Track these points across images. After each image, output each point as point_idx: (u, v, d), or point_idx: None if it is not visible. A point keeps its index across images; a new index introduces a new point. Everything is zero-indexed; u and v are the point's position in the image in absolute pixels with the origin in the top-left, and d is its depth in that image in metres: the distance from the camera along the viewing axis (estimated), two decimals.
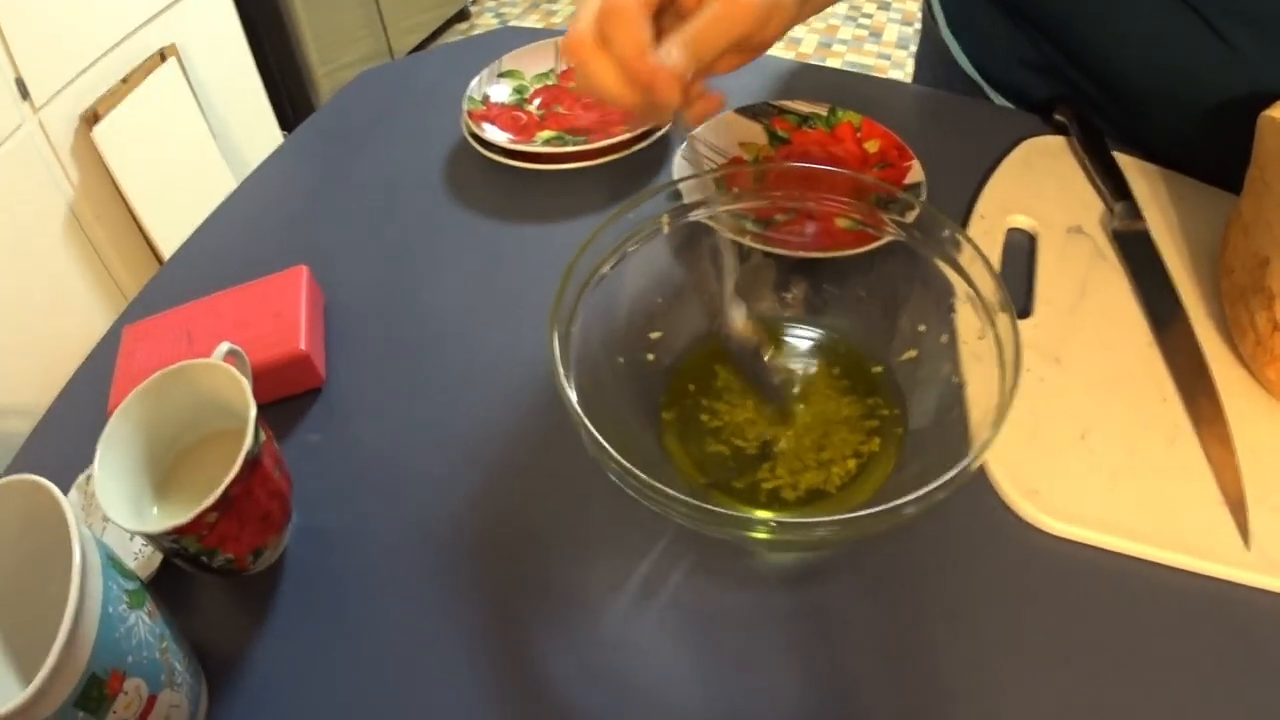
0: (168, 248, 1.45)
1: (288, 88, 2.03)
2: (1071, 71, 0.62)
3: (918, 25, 2.43)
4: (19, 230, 1.27)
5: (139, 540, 0.44)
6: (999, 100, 0.69)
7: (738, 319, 0.44)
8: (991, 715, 0.37)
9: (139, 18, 1.44)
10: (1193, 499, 0.42)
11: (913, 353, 0.44)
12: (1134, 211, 0.54)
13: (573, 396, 0.36)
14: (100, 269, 1.42)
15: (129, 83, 1.41)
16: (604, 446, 0.34)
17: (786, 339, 0.47)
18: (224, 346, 0.43)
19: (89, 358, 0.56)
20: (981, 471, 0.44)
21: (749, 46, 0.41)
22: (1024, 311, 0.51)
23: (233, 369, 0.41)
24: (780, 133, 0.63)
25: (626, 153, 0.63)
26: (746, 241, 0.47)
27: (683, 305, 0.47)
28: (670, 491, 0.32)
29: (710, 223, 0.46)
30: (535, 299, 0.43)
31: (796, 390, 0.45)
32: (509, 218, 0.62)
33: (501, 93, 0.69)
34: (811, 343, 0.47)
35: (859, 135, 0.61)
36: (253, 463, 0.39)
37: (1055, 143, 0.61)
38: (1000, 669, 0.38)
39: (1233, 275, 0.48)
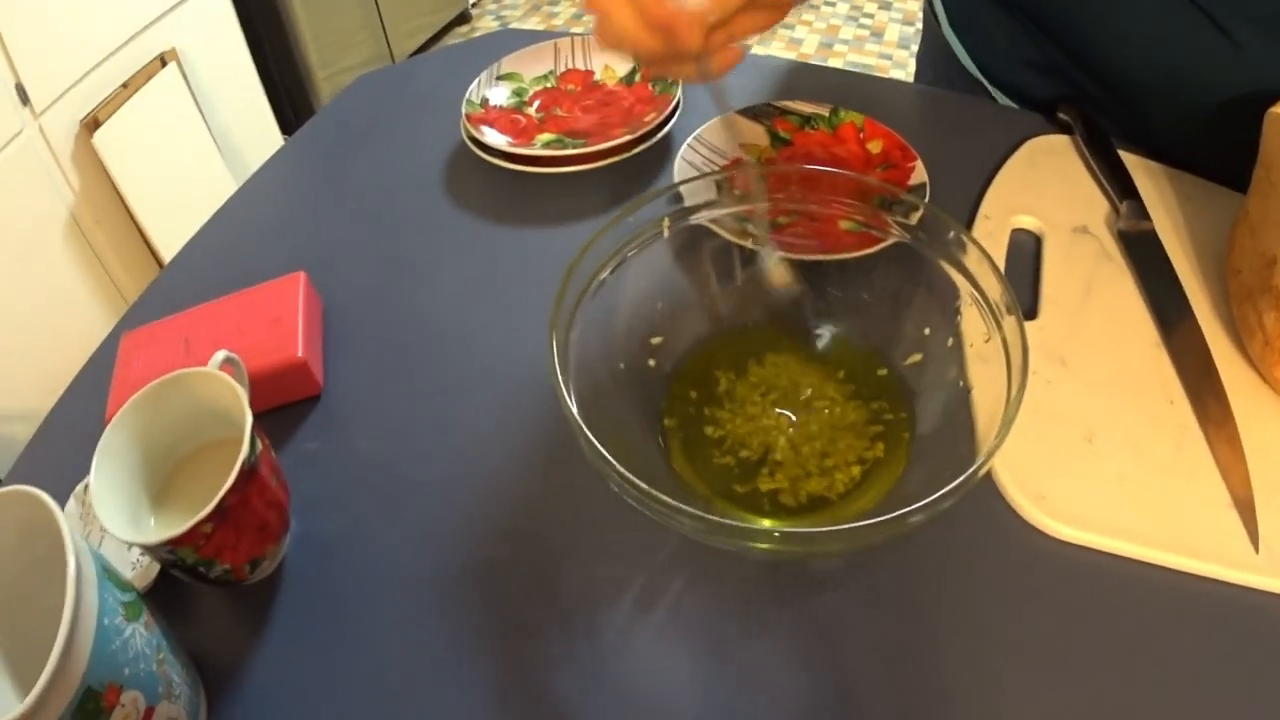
0: (168, 252, 1.45)
1: (288, 91, 2.03)
2: (1074, 71, 0.62)
3: (919, 25, 2.42)
4: (20, 235, 1.27)
5: (137, 549, 0.44)
6: (1002, 100, 0.69)
7: (775, 268, 0.44)
8: None
9: (139, 22, 1.44)
10: (1201, 502, 0.41)
11: (918, 356, 0.43)
12: (1140, 211, 0.54)
13: (573, 405, 0.35)
14: (101, 273, 1.42)
15: (129, 87, 1.41)
16: (604, 456, 0.33)
17: (789, 341, 0.47)
18: (220, 355, 0.43)
19: (88, 363, 0.55)
20: (987, 476, 0.43)
21: (769, 1, 0.41)
22: (1030, 313, 0.50)
23: (229, 378, 0.41)
24: (782, 134, 0.62)
25: (626, 155, 0.62)
26: (749, 244, 0.47)
27: (684, 310, 0.46)
28: (672, 502, 0.32)
29: (712, 226, 0.45)
30: (535, 303, 0.42)
31: (802, 396, 0.44)
32: (508, 221, 0.62)
33: (501, 95, 0.69)
34: (815, 347, 0.47)
35: (862, 136, 0.61)
36: (249, 472, 0.38)
37: (1059, 142, 0.61)
38: (1005, 675, 0.37)
39: (1240, 275, 0.47)
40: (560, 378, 0.36)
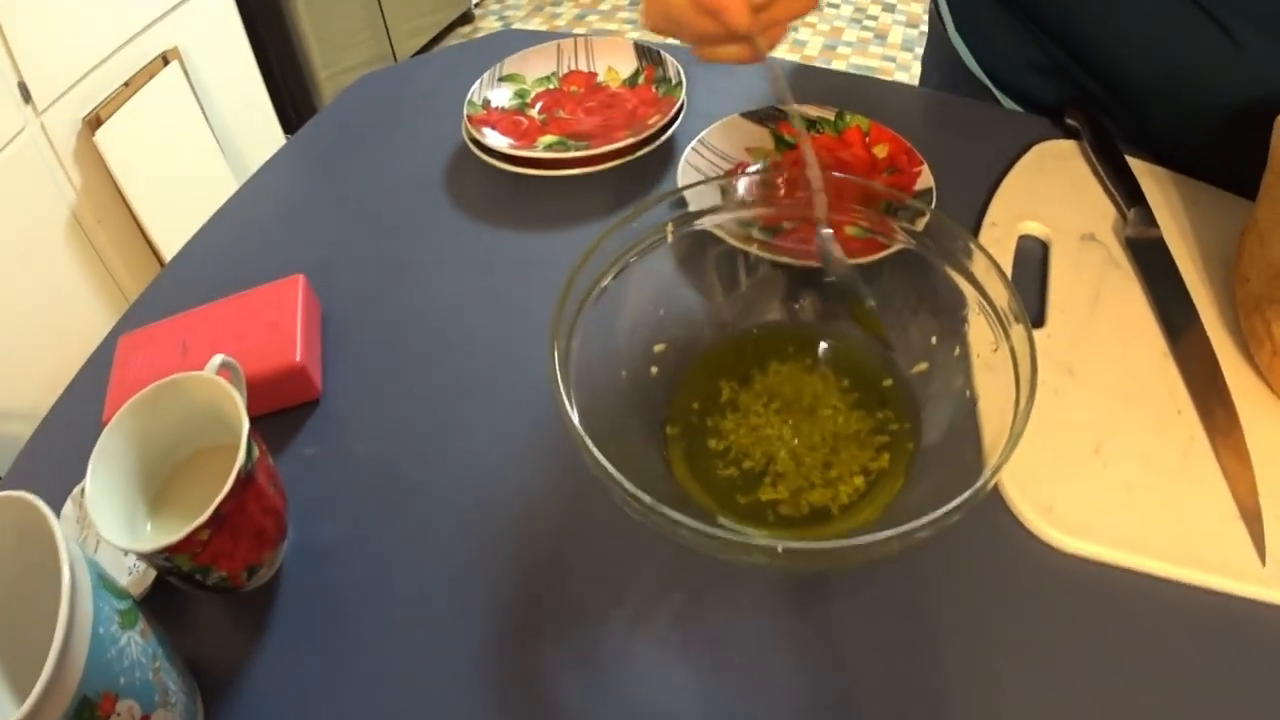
0: (169, 251, 1.44)
1: (290, 91, 2.03)
2: (1078, 73, 0.62)
3: (923, 28, 2.42)
4: (21, 234, 1.27)
5: (133, 555, 0.43)
6: (1007, 103, 0.68)
7: (835, 248, 0.44)
8: None
9: (141, 21, 1.44)
10: (1208, 513, 0.41)
11: (924, 365, 0.43)
12: (1148, 218, 0.53)
13: (573, 415, 0.35)
14: (102, 272, 1.42)
15: (131, 86, 1.41)
16: (609, 471, 0.33)
17: (793, 350, 0.46)
18: (217, 359, 0.42)
19: (86, 364, 0.55)
20: (994, 488, 0.43)
21: None
22: (1037, 321, 0.50)
23: (226, 383, 0.40)
24: (787, 137, 0.62)
25: (629, 158, 0.62)
26: (754, 250, 0.46)
27: (687, 317, 0.46)
28: (674, 515, 0.31)
29: (717, 231, 0.45)
30: (536, 308, 0.42)
31: (805, 404, 0.44)
32: (510, 224, 0.61)
33: (502, 97, 0.69)
34: (820, 354, 0.46)
35: (868, 140, 0.60)
36: (246, 479, 0.38)
37: (1066, 147, 0.60)
38: (1013, 688, 0.37)
39: (1248, 284, 0.47)
40: (561, 386, 0.36)
